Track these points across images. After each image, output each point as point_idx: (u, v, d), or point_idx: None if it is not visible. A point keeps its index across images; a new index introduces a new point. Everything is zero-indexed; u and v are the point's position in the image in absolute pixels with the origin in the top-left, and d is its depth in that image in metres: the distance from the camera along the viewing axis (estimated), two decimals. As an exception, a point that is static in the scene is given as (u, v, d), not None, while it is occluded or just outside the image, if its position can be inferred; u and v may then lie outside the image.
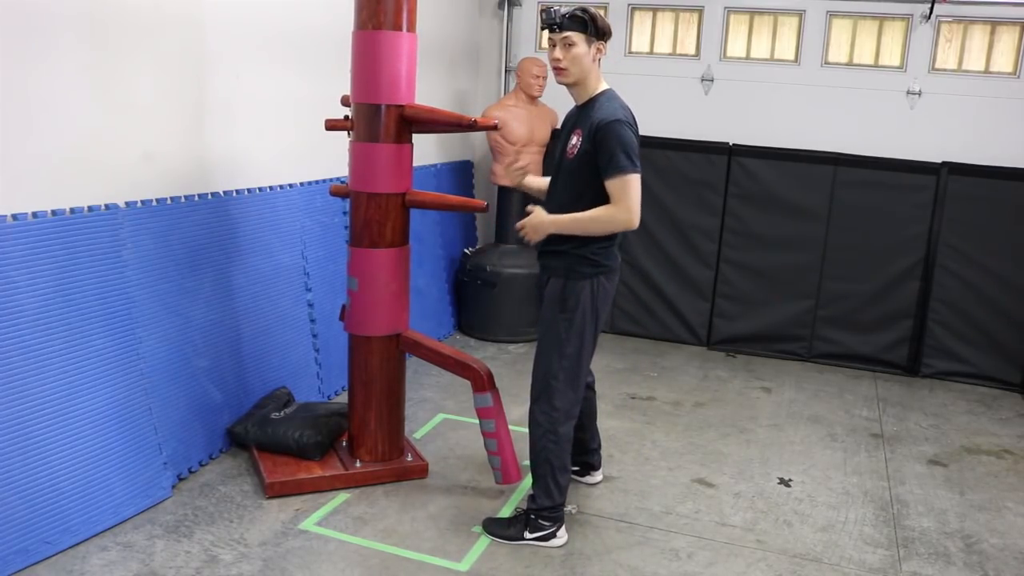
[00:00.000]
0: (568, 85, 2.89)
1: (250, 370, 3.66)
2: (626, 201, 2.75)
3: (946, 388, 4.96)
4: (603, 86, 2.88)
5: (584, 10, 2.78)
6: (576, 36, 2.77)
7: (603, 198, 2.78)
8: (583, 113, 2.86)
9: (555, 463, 2.95)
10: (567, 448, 2.97)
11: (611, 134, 2.72)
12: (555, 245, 2.91)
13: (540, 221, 2.87)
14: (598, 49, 2.81)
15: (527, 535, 2.98)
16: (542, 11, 2.84)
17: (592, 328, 2.91)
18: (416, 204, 3.28)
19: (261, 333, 3.73)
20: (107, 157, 3.01)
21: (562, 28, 2.77)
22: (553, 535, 2.99)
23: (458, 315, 5.50)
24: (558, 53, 2.81)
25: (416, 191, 3.30)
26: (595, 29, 2.78)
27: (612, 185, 2.74)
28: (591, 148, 2.77)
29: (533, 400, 2.99)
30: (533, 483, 3.03)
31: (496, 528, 3.05)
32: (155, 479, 3.09)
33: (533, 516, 2.99)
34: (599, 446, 3.47)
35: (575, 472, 3.45)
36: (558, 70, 2.83)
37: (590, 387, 3.32)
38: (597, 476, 3.49)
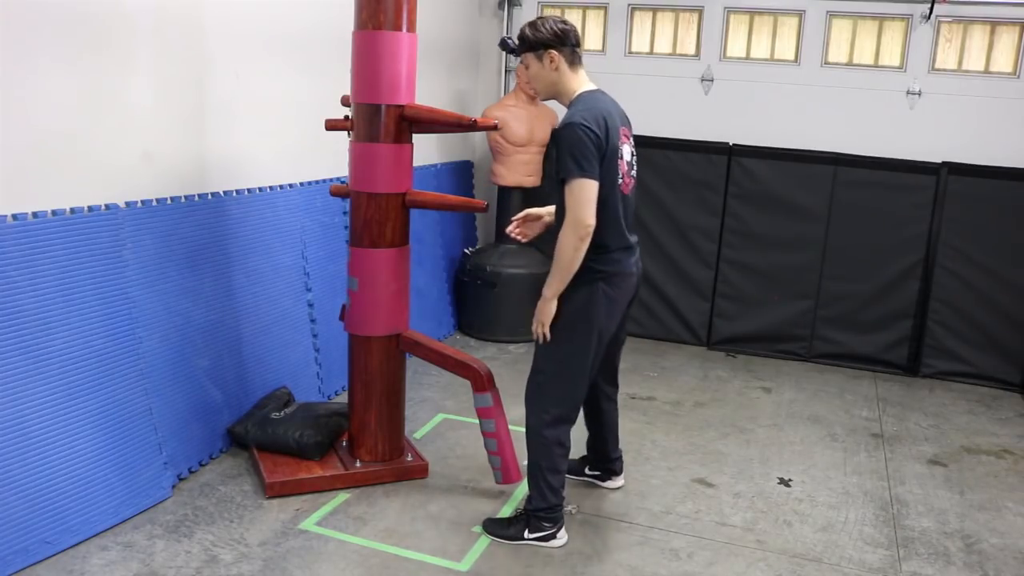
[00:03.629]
0: (547, 99, 2.92)
1: (250, 370, 3.66)
2: (571, 209, 2.68)
3: (946, 388, 4.96)
4: (581, 89, 2.83)
5: (521, 30, 2.80)
6: (527, 57, 2.82)
7: None
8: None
9: (544, 464, 2.94)
10: (557, 451, 2.94)
11: (562, 139, 2.70)
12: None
13: (539, 309, 2.84)
14: (551, 58, 2.77)
15: (527, 535, 2.98)
16: (499, 44, 2.91)
17: (588, 334, 2.85)
18: (416, 204, 3.28)
19: (261, 333, 3.73)
20: (107, 157, 3.01)
21: (516, 54, 2.84)
22: (553, 536, 2.99)
23: (458, 315, 5.50)
24: (524, 77, 2.87)
25: (416, 191, 3.30)
26: (529, 44, 2.77)
27: (564, 193, 2.69)
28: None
29: (525, 401, 2.99)
30: (528, 484, 3.03)
31: (496, 528, 3.05)
32: (155, 479, 3.09)
33: (531, 516, 2.99)
34: (620, 455, 3.47)
35: (596, 477, 3.46)
36: (534, 91, 2.91)
37: (610, 398, 3.31)
38: (619, 481, 3.48)
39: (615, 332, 3.03)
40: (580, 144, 2.65)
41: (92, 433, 2.87)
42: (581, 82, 2.84)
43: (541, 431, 2.92)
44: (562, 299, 2.84)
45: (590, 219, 2.68)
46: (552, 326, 2.87)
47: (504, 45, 2.86)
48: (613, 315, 2.92)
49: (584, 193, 2.67)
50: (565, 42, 2.77)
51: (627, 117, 2.95)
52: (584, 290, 2.83)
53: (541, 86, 2.85)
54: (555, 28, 2.77)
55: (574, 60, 2.82)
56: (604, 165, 2.72)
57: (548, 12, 5.79)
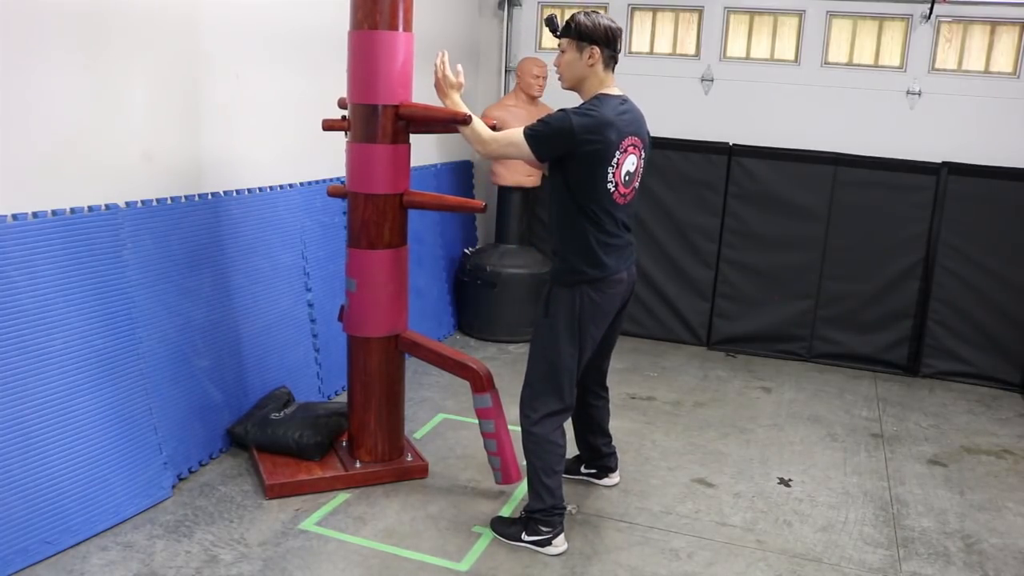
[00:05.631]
0: (568, 89, 2.91)
1: (250, 370, 3.66)
2: (497, 142, 2.85)
3: (946, 388, 4.96)
4: (603, 90, 2.82)
5: (573, 16, 2.81)
6: (566, 43, 2.82)
7: (568, 191, 2.78)
8: None
9: (537, 464, 2.94)
10: (549, 448, 2.93)
11: (554, 117, 2.74)
12: (551, 249, 2.97)
13: (446, 90, 3.01)
14: (591, 54, 2.77)
15: (524, 536, 2.98)
16: (545, 20, 2.90)
17: (573, 338, 2.86)
18: (414, 205, 3.27)
19: (261, 333, 3.73)
20: (107, 157, 3.01)
21: (558, 36, 2.85)
22: (549, 543, 2.95)
23: (458, 315, 5.50)
24: (556, 59, 2.89)
25: (414, 191, 3.30)
26: (578, 33, 2.78)
27: (517, 130, 2.80)
28: None
29: (520, 401, 2.99)
30: (527, 485, 3.03)
31: (499, 525, 3.06)
32: (155, 479, 3.09)
33: (530, 518, 2.99)
34: (614, 451, 3.48)
35: (593, 475, 3.48)
36: (559, 76, 2.90)
37: (599, 396, 3.32)
38: (615, 478, 3.49)
39: (605, 337, 3.04)
40: (553, 128, 2.71)
41: (92, 433, 2.87)
42: (606, 84, 2.84)
43: (529, 429, 2.92)
44: (549, 303, 2.87)
45: (490, 155, 2.92)
46: (539, 331, 2.92)
47: (551, 22, 2.85)
48: (599, 321, 2.91)
49: (515, 148, 2.79)
50: (609, 44, 2.79)
51: (643, 128, 2.91)
52: (569, 294, 2.84)
53: (569, 75, 2.85)
54: (608, 27, 2.78)
55: (609, 63, 2.83)
56: (586, 168, 2.74)
57: (548, 12, 5.79)
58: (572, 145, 2.70)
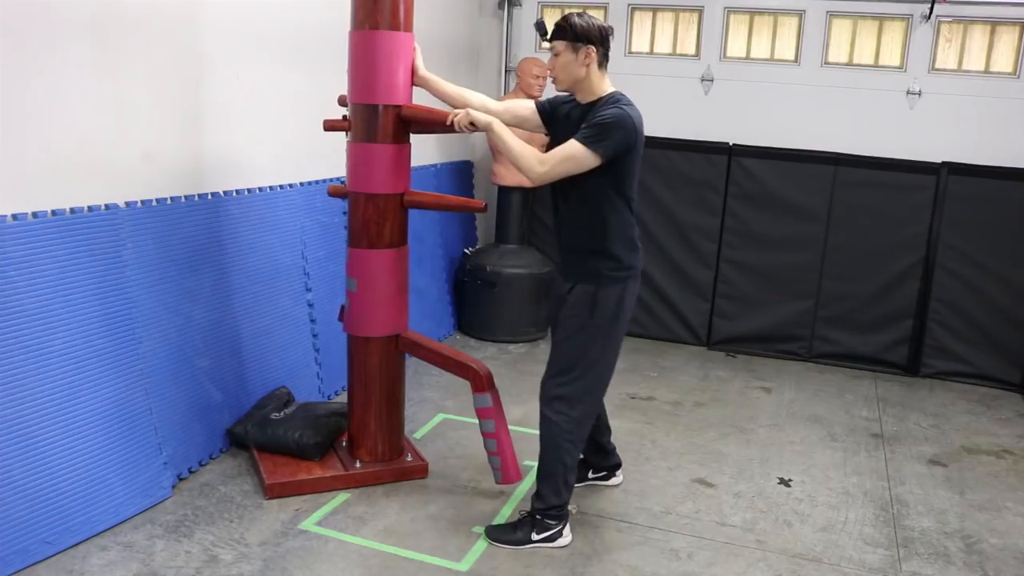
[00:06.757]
0: (564, 91, 2.92)
1: (250, 370, 3.66)
2: (553, 160, 2.74)
3: (946, 388, 4.96)
4: (611, 89, 2.85)
5: (566, 18, 2.82)
6: (560, 45, 2.82)
7: (603, 190, 2.78)
8: (591, 110, 2.82)
9: (568, 463, 2.95)
10: (580, 447, 3.00)
11: (611, 116, 2.70)
12: (581, 249, 2.90)
13: (478, 121, 2.89)
14: (587, 54, 2.78)
15: (535, 536, 2.97)
16: (534, 24, 2.90)
17: (619, 333, 2.92)
18: (414, 204, 3.28)
19: (261, 333, 3.73)
20: (107, 157, 3.01)
21: (550, 39, 2.85)
22: (560, 534, 2.98)
23: (458, 315, 5.50)
24: (550, 62, 2.89)
25: (414, 191, 3.30)
26: (574, 34, 2.78)
27: (569, 143, 2.72)
28: None
29: (548, 400, 2.95)
30: (541, 482, 3.00)
31: (501, 534, 3.02)
32: (155, 479, 3.09)
33: (540, 516, 2.98)
34: (615, 447, 3.49)
35: (600, 478, 3.48)
36: (553, 79, 2.91)
37: None
38: (620, 476, 3.51)
39: None
40: (618, 126, 2.68)
41: (92, 433, 2.87)
42: (607, 83, 2.87)
43: (571, 430, 2.92)
44: (595, 301, 2.85)
45: (544, 179, 2.78)
46: (589, 334, 2.87)
47: (540, 27, 2.88)
48: (631, 311, 2.97)
49: (572, 162, 2.71)
50: (603, 43, 2.82)
51: None
52: (615, 290, 2.86)
53: (565, 76, 2.85)
54: (600, 27, 2.81)
55: (603, 61, 2.84)
56: (630, 167, 2.79)
57: (548, 12, 5.79)
58: (634, 137, 2.74)
